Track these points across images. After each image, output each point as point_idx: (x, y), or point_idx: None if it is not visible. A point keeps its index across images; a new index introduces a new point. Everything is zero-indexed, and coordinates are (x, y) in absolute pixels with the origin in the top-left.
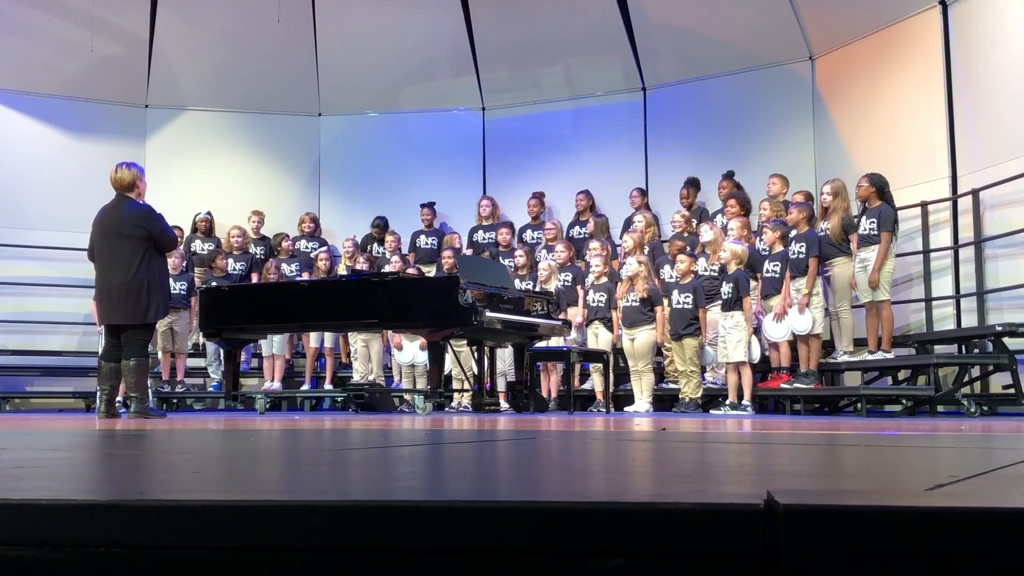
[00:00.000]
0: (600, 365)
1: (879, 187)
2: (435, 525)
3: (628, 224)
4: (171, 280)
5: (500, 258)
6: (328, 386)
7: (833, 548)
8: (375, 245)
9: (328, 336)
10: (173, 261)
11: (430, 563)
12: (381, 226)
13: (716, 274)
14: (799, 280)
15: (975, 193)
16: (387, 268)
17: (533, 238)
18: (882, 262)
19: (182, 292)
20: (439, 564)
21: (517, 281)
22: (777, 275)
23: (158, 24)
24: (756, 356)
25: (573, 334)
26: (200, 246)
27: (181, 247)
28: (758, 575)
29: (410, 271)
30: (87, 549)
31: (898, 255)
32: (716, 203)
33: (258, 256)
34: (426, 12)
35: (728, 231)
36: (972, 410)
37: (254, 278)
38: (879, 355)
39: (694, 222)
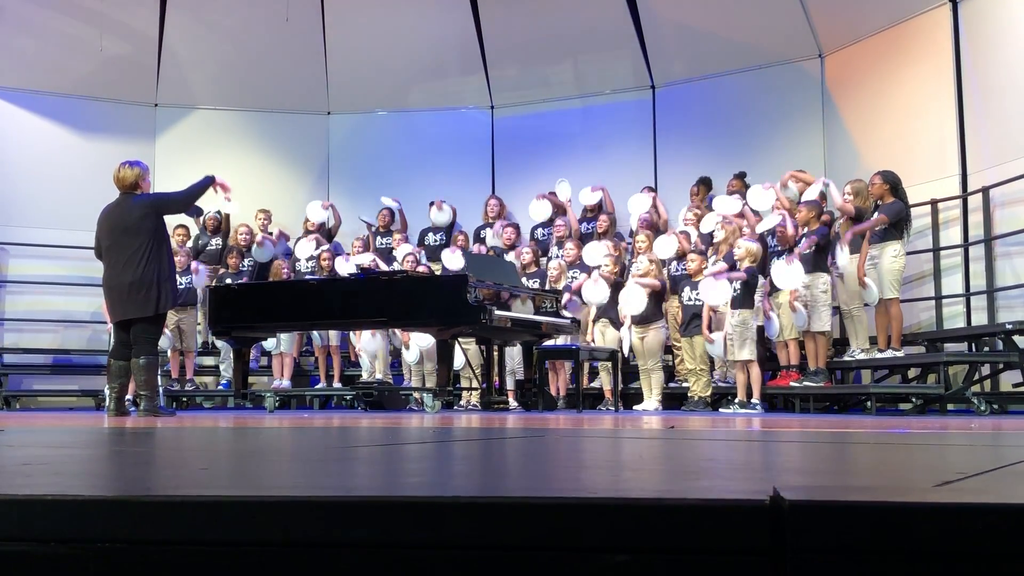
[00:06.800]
0: (609, 363)
1: (893, 184)
2: (441, 521)
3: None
4: (177, 275)
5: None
6: (337, 384)
7: (839, 544)
8: (378, 236)
9: (336, 334)
10: (179, 259)
11: (437, 559)
12: (389, 213)
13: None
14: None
15: (985, 191)
16: (396, 264)
17: (543, 235)
18: (866, 231)
19: (187, 288)
20: (446, 559)
21: (525, 279)
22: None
23: (167, 23)
24: (774, 332)
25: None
26: (209, 243)
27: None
28: (764, 570)
29: (420, 268)
30: (93, 545)
31: (908, 253)
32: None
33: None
34: (435, 10)
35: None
36: (982, 408)
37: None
38: (889, 353)
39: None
